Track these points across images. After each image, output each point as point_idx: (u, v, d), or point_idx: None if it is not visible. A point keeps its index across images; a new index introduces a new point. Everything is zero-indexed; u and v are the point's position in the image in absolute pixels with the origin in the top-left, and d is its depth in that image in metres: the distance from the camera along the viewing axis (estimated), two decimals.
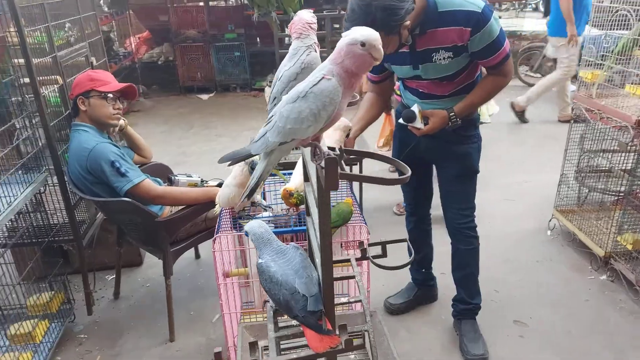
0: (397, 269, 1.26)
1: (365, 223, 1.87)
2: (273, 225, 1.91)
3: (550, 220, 3.25)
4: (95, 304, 2.65)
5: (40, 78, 2.10)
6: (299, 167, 1.97)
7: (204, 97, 7.08)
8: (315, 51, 1.09)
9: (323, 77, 0.83)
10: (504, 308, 2.56)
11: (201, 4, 7.17)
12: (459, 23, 1.74)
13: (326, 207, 0.85)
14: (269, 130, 0.87)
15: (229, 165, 0.95)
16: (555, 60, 6.64)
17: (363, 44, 0.82)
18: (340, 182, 2.25)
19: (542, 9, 10.09)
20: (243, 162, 1.77)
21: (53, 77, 2.26)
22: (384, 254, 1.37)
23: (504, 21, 8.65)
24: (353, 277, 1.30)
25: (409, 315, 2.53)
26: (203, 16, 7.04)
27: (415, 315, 2.54)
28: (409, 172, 0.87)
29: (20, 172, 2.09)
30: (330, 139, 1.97)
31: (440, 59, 1.82)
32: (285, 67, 1.06)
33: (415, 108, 1.93)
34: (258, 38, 7.45)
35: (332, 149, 0.87)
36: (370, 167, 3.58)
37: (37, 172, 2.16)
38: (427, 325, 2.46)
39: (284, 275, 1.00)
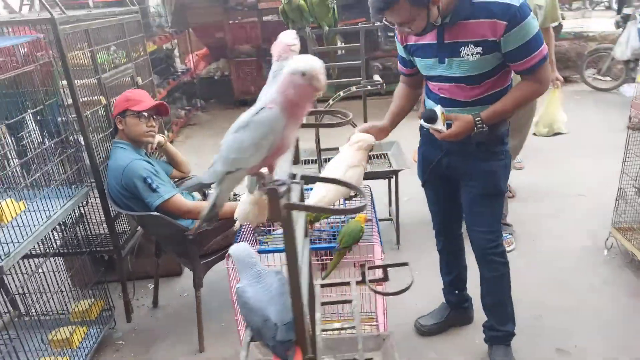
0: (393, 295, 1.21)
1: (381, 242, 1.81)
2: None
3: (607, 239, 2.98)
4: (135, 312, 2.78)
5: (82, 99, 2.25)
6: (318, 185, 1.95)
7: None
8: None
9: (264, 107, 0.83)
10: (546, 334, 2.38)
11: (255, 19, 7.38)
12: (494, 15, 1.65)
13: (290, 233, 0.83)
14: (217, 159, 0.88)
15: (190, 192, 0.96)
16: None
17: (303, 74, 0.81)
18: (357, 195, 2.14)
19: (615, 6, 9.40)
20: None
21: (96, 97, 2.42)
22: (385, 278, 1.33)
23: (569, 22, 8.14)
24: (350, 301, 1.26)
25: (440, 338, 2.42)
26: (256, 31, 7.25)
27: (446, 338, 2.42)
28: (367, 202, 0.83)
29: (65, 186, 2.25)
30: (354, 159, 1.94)
31: (468, 54, 1.72)
32: (264, 92, 1.06)
33: (438, 109, 1.83)
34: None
35: (293, 175, 0.85)
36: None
37: (80, 187, 2.32)
38: (459, 349, 2.34)
39: (258, 301, 0.99)
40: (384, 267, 1.29)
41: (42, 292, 2.19)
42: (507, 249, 3.06)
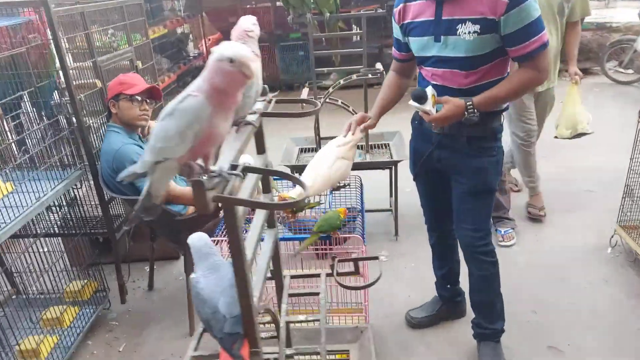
0: (359, 289, 1.19)
1: (363, 235, 1.78)
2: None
3: (612, 237, 2.90)
4: (131, 294, 2.82)
5: (77, 82, 2.26)
6: (305, 173, 1.93)
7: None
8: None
9: (189, 95, 0.80)
10: (539, 331, 2.33)
11: (268, 4, 7.32)
12: None
13: (232, 225, 0.81)
14: (146, 148, 0.86)
15: (126, 181, 0.94)
16: None
17: (232, 61, 0.78)
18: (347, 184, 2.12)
19: None
20: None
21: (92, 80, 2.42)
22: (356, 271, 1.30)
23: (592, 11, 7.83)
24: (317, 294, 1.24)
25: (431, 331, 2.39)
26: (269, 17, 7.19)
27: (438, 331, 2.39)
28: (307, 192, 0.80)
29: (58, 168, 2.27)
30: (343, 152, 1.91)
31: (464, 33, 1.66)
32: None
33: (429, 90, 1.75)
34: (323, 38, 7.47)
35: (235, 166, 0.83)
36: None
37: (74, 169, 2.33)
38: (449, 343, 2.31)
39: (210, 293, 0.98)
40: (355, 261, 1.27)
41: (31, 271, 2.22)
42: (508, 243, 3.03)
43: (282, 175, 0.90)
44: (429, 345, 2.31)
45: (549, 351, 2.22)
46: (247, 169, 0.86)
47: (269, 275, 1.27)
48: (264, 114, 1.07)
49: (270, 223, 1.18)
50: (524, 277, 2.73)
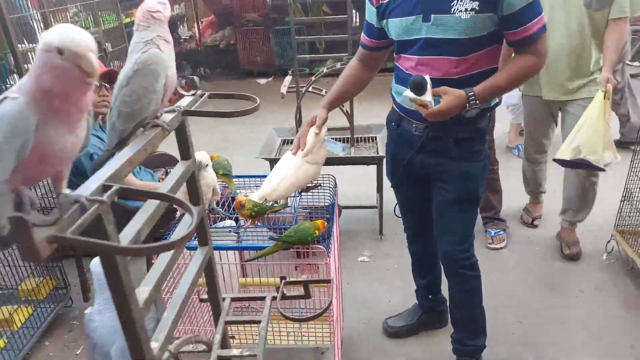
0: (301, 321, 1.02)
1: (329, 250, 1.58)
2: (235, 236, 1.73)
3: (608, 242, 2.72)
4: None
5: (27, 66, 2.08)
6: (271, 175, 1.75)
7: (262, 81, 7.02)
8: (159, 47, 0.86)
9: (6, 97, 0.61)
10: (524, 345, 2.17)
11: None
12: None
13: (111, 273, 0.64)
14: None
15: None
16: None
17: (61, 52, 0.58)
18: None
19: None
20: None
21: None
22: (306, 295, 1.13)
23: None
24: (258, 322, 1.07)
25: (411, 340, 2.24)
26: None
27: (419, 341, 2.24)
28: (194, 219, 0.63)
29: None
30: (313, 159, 1.72)
31: (460, 10, 1.46)
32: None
33: (427, 77, 1.52)
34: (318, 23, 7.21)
35: (110, 186, 0.65)
36: None
37: None
38: (429, 354, 2.16)
39: (103, 334, 0.81)
40: (305, 283, 1.10)
41: None
42: (497, 246, 2.85)
43: (166, 200, 0.72)
44: (409, 356, 2.16)
45: None
46: (125, 192, 0.68)
47: (205, 297, 1.10)
48: (187, 112, 0.89)
49: (201, 240, 1.01)
50: (512, 283, 2.57)
